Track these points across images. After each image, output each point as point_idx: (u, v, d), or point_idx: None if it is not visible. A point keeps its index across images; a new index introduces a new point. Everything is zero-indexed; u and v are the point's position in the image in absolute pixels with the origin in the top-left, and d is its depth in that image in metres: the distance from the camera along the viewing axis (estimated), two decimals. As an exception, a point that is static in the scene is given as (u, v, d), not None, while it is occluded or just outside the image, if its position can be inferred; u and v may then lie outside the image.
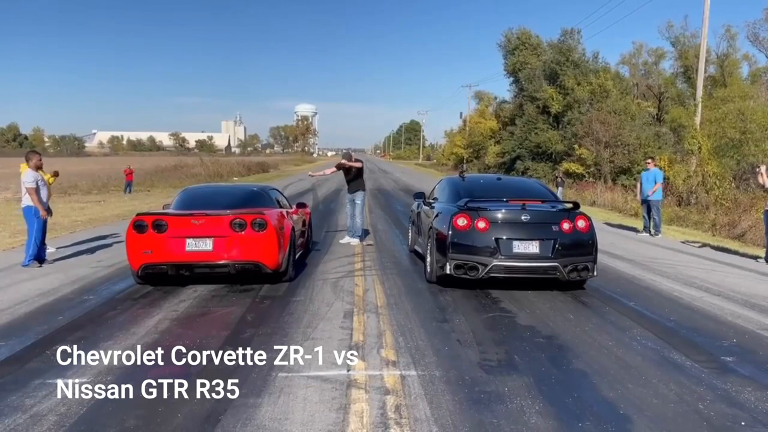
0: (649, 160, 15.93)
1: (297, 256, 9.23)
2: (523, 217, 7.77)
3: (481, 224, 7.71)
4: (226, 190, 10.55)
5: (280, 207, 9.43)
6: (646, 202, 15.12)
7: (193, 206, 8.52)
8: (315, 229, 12.92)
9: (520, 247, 7.65)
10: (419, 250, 10.07)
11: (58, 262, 9.60)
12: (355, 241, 12.05)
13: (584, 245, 7.84)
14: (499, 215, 7.80)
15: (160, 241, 7.58)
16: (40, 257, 9.40)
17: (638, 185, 15.61)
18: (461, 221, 7.81)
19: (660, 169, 16.74)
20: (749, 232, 15.02)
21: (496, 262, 7.59)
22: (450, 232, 7.84)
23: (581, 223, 7.86)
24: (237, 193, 9.77)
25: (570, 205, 8.23)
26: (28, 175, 9.34)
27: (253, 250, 7.70)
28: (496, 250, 7.61)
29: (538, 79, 44.38)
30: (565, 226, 7.75)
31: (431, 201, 9.83)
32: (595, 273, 7.96)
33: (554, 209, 8.20)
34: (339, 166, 12.36)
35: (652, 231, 15.00)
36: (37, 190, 9.27)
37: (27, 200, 9.35)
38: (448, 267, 7.77)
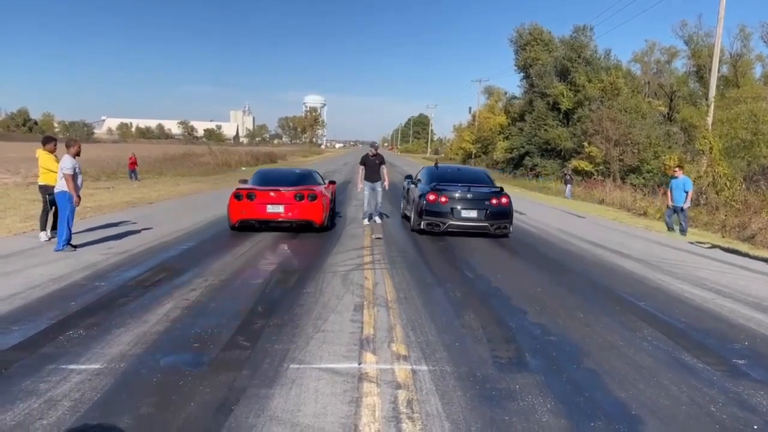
0: (677, 168, 16.61)
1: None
2: (468, 195, 12.37)
3: (443, 199, 12.23)
4: (287, 171, 15.09)
5: (320, 184, 13.40)
6: (675, 209, 15.93)
7: (266, 182, 12.72)
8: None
9: (465, 213, 12.25)
10: (408, 213, 14.25)
11: (67, 248, 9.63)
12: (378, 220, 14.26)
13: (504, 214, 12.47)
14: (455, 194, 12.35)
15: (250, 205, 11.79)
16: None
17: (668, 192, 16.37)
18: (431, 197, 12.32)
19: (687, 175, 17.15)
20: (759, 234, 14.95)
21: (450, 222, 12.23)
22: (424, 203, 12.38)
23: (503, 200, 12.46)
24: (294, 174, 14.09)
25: (498, 189, 12.79)
26: (68, 161, 9.49)
27: (308, 213, 11.97)
28: (451, 215, 12.20)
29: (548, 76, 44.17)
30: (494, 201, 12.37)
31: (415, 182, 14.34)
32: (510, 230, 12.63)
33: (488, 191, 12.72)
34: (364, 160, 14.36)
35: (677, 230, 15.80)
36: (74, 177, 9.45)
37: (62, 185, 9.48)
38: (422, 224, 12.44)
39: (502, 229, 12.40)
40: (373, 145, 14.84)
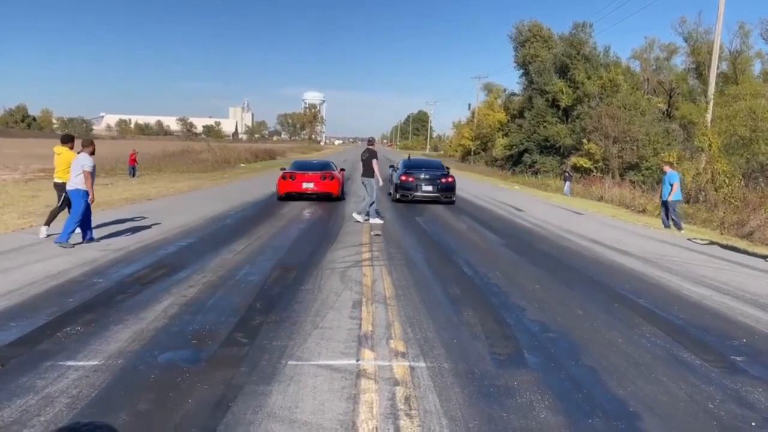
0: (666, 165, 17.03)
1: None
2: (427, 176, 18.91)
3: (410, 179, 18.77)
4: (314, 161, 22.86)
5: (336, 170, 19.93)
6: (664, 203, 16.24)
7: (301, 168, 19.49)
8: (324, 218, 12.95)
9: (424, 188, 18.62)
10: (390, 191, 20.39)
11: (66, 244, 9.63)
12: (378, 220, 13.89)
13: (450, 188, 18.90)
14: (419, 176, 18.85)
15: (292, 183, 18.16)
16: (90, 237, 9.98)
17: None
18: (404, 177, 18.89)
19: (674, 170, 17.20)
20: (758, 231, 14.95)
21: (415, 193, 18.59)
22: (398, 182, 18.96)
23: (449, 179, 19.04)
24: (319, 163, 21.31)
25: (446, 172, 19.72)
26: (88, 159, 9.80)
27: (329, 187, 18.41)
28: (415, 189, 18.62)
29: (548, 72, 44.10)
30: (443, 180, 18.87)
31: (395, 168, 21.40)
32: (454, 199, 19.10)
33: (440, 173, 19.39)
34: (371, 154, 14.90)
35: (672, 227, 15.86)
36: (92, 175, 9.81)
37: (78, 183, 9.70)
38: (398, 195, 18.87)
39: (448, 197, 19.02)
40: (371, 140, 15.74)
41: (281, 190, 18.21)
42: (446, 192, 18.84)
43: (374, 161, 14.44)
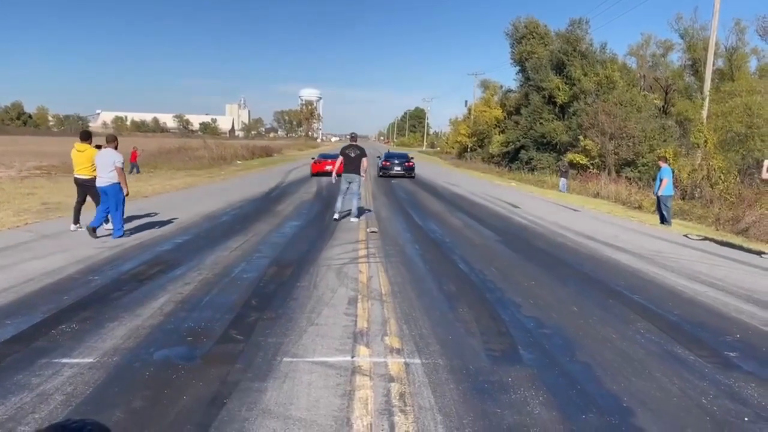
0: (660, 160, 17.30)
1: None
2: (397, 161, 32.78)
3: (388, 163, 32.56)
4: (332, 153, 33.12)
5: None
6: (657, 198, 16.54)
7: (325, 157, 31.59)
8: (320, 215, 12.96)
9: (396, 168, 32.20)
10: (377, 172, 32.10)
11: (63, 242, 9.63)
12: (355, 219, 13.71)
13: (411, 168, 32.42)
14: (394, 161, 32.77)
15: (319, 166, 30.57)
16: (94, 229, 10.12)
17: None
18: (384, 163, 32.77)
19: (668, 165, 17.40)
20: (753, 227, 14.99)
21: (390, 172, 31.97)
22: (381, 165, 33.03)
23: (411, 164, 32.69)
24: (333, 153, 29.74)
25: (410, 159, 33.33)
26: (118, 155, 10.12)
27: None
28: (391, 169, 32.13)
29: (544, 69, 44.11)
30: (407, 164, 32.48)
31: (380, 157, 35.23)
32: (414, 175, 32.16)
33: (405, 160, 32.94)
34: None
35: (663, 222, 16.14)
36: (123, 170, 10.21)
37: (112, 178, 9.98)
38: (380, 173, 32.33)
39: (410, 174, 31.44)
40: (353, 137, 14.88)
41: (313, 170, 30.44)
42: (409, 171, 31.74)
43: (364, 159, 14.18)
